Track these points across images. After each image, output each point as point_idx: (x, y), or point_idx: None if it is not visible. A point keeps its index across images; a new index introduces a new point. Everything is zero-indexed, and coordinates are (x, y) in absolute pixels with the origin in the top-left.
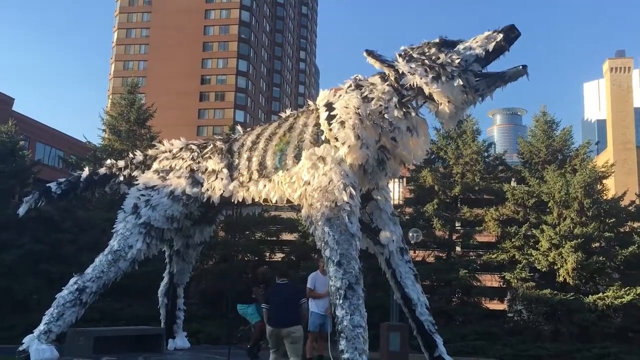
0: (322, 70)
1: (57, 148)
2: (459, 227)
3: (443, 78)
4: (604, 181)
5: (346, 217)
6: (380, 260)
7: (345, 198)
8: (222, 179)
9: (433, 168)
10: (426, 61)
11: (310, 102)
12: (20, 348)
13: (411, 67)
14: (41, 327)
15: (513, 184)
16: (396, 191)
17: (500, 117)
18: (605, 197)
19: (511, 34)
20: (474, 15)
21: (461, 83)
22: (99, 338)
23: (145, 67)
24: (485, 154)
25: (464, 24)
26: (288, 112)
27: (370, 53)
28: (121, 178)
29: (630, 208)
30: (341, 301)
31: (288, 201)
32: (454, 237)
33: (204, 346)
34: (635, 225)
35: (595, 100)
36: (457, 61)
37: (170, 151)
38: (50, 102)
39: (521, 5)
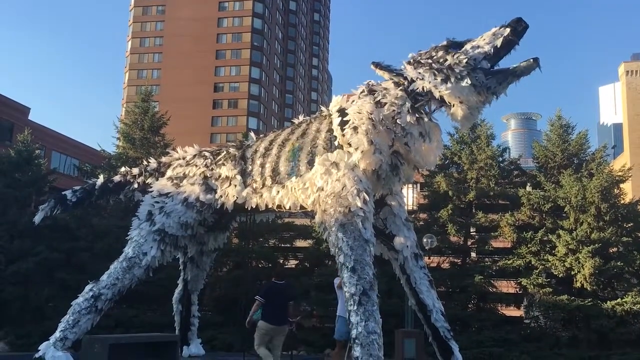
0: (335, 77)
1: (73, 157)
2: (474, 233)
3: (452, 79)
4: (621, 185)
5: (360, 223)
6: (394, 266)
7: (359, 204)
8: (235, 185)
9: (447, 173)
10: (434, 65)
11: (323, 108)
12: (37, 355)
13: (419, 73)
14: (57, 334)
15: (528, 188)
16: (410, 197)
17: (515, 121)
18: (622, 202)
19: (518, 27)
20: (487, 17)
21: (470, 82)
22: (114, 345)
23: (158, 75)
24: (500, 158)
25: (476, 25)
26: (301, 118)
27: (377, 65)
28: (135, 185)
29: None
30: (355, 307)
31: (301, 207)
32: (469, 243)
33: (219, 353)
34: None
35: (611, 104)
36: (464, 61)
37: (183, 158)
38: (65, 111)
39: (536, 9)
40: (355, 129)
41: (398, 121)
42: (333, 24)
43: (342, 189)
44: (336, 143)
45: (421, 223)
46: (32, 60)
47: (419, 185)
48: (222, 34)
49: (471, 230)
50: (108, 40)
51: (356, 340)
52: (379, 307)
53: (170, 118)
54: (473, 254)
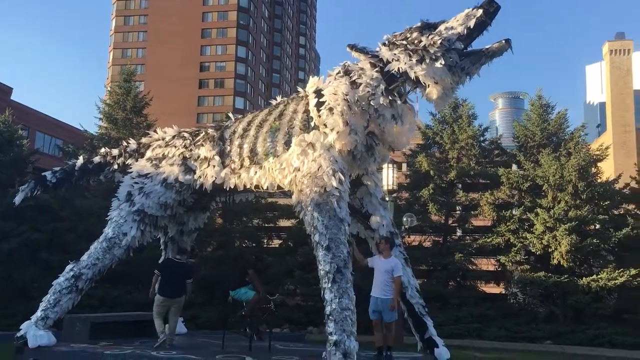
0: (323, 56)
1: (56, 137)
2: (456, 212)
3: (427, 60)
4: (602, 164)
5: (335, 202)
6: (370, 245)
7: (334, 184)
8: (214, 166)
9: (429, 153)
10: (409, 46)
11: (300, 89)
12: (18, 334)
13: (394, 54)
14: (38, 313)
15: (515, 168)
16: (391, 176)
17: (502, 101)
18: (599, 180)
19: (490, 8)
20: None
21: (444, 63)
22: (96, 324)
23: (143, 54)
24: (481, 138)
25: (464, 2)
26: (279, 99)
27: (353, 47)
28: (115, 166)
29: (624, 190)
30: (330, 285)
31: (279, 187)
32: (449, 222)
33: (202, 331)
34: (630, 207)
35: (598, 83)
36: (439, 42)
37: (163, 139)
38: (50, 91)
39: None
40: (331, 110)
41: (372, 102)
42: (320, 2)
43: (318, 169)
44: (312, 124)
45: (402, 202)
46: (15, 40)
47: (401, 164)
48: (207, 12)
49: (453, 210)
50: (93, 19)
51: (330, 317)
52: (353, 285)
53: (152, 98)
54: (456, 233)
